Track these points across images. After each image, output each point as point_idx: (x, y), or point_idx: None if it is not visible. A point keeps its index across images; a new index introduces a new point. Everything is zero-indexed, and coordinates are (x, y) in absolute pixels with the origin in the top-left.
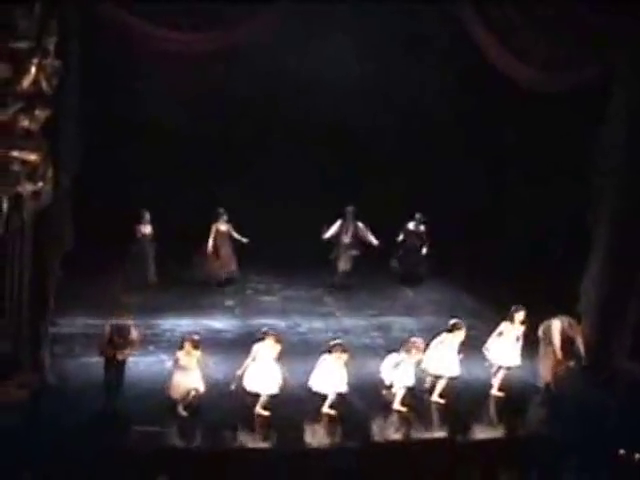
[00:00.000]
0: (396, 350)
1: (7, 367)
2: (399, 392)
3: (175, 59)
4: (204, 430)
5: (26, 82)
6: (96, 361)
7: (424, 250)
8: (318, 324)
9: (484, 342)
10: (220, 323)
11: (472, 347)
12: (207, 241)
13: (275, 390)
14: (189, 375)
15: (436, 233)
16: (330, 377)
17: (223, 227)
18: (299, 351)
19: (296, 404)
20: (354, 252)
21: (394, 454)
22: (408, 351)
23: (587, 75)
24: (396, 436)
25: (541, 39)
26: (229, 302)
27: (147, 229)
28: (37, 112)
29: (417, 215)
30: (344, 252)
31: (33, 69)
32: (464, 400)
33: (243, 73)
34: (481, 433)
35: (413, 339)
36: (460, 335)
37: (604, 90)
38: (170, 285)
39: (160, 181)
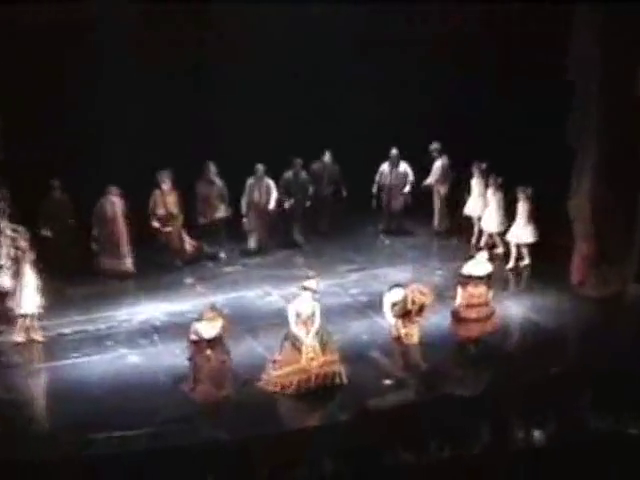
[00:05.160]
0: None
1: None
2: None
3: None
4: (178, 425)
5: None
6: (40, 368)
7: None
8: (291, 289)
9: None
10: (182, 304)
11: None
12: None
13: None
14: None
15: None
16: None
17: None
18: (274, 323)
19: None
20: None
21: (394, 422)
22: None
23: None
24: (395, 402)
25: None
26: (188, 279)
27: None
28: None
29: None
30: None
31: None
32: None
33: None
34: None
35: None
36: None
37: None
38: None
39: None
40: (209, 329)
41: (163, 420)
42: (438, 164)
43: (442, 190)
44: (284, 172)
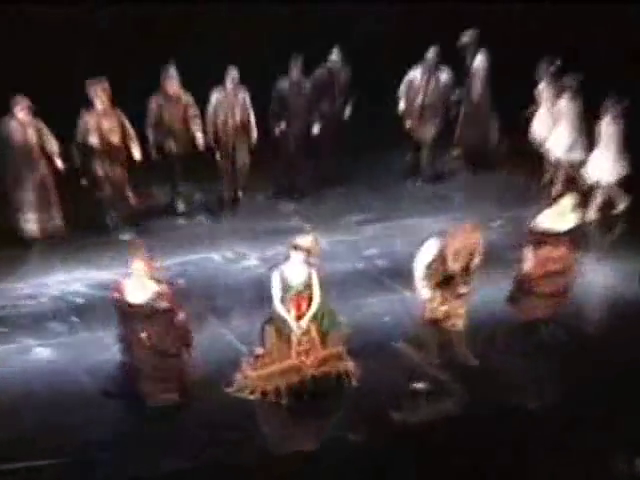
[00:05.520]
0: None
1: None
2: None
3: None
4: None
5: None
6: None
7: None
8: (278, 249)
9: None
10: (114, 272)
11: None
12: None
13: None
14: None
15: None
16: None
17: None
18: (251, 299)
19: None
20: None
21: (426, 444)
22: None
23: None
24: (428, 415)
25: None
26: (125, 236)
27: None
28: None
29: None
30: None
31: None
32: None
33: None
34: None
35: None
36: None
37: None
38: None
39: None
40: (137, 291)
41: (88, 443)
42: (478, 63)
43: (488, 101)
44: (277, 81)
